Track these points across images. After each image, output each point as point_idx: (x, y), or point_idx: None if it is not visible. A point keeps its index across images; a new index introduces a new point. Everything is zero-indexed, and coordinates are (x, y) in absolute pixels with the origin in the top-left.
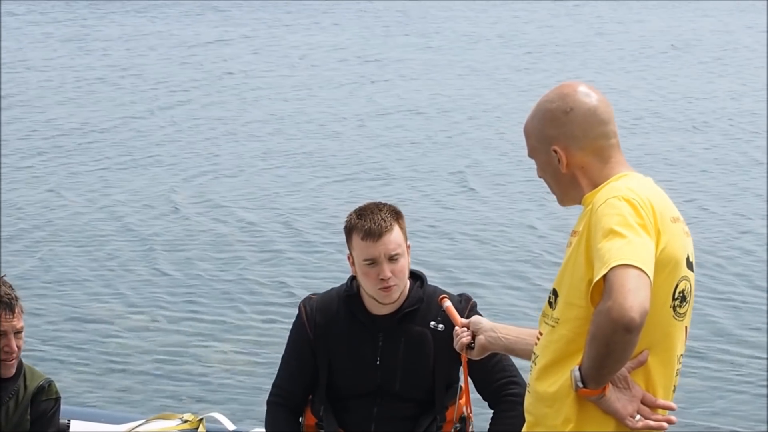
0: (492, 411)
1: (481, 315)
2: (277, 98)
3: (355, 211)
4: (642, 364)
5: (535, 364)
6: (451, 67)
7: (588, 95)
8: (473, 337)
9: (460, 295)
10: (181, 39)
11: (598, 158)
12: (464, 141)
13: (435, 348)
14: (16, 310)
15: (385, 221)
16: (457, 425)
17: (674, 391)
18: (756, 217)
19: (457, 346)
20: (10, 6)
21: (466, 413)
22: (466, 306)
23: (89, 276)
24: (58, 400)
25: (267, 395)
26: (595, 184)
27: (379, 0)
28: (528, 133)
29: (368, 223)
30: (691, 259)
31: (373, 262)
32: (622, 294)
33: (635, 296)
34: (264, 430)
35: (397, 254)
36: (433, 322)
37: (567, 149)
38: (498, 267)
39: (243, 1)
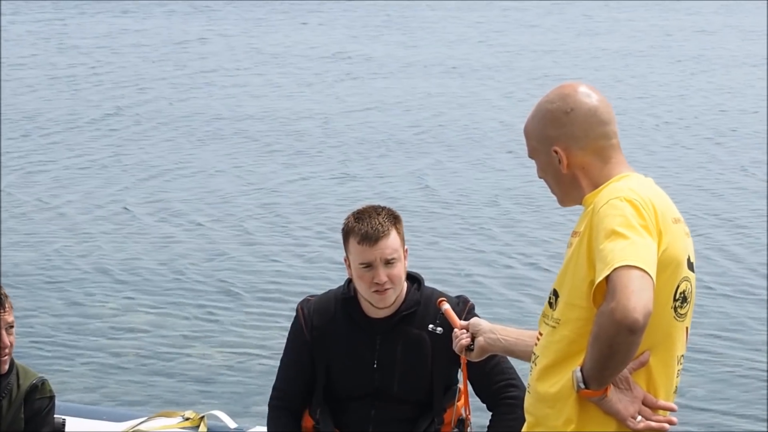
0: (490, 413)
1: (479, 317)
2: (258, 95)
3: (353, 213)
4: (643, 365)
5: (536, 365)
6: (443, 64)
7: (589, 95)
8: (472, 338)
9: (458, 297)
10: (157, 37)
11: (599, 158)
12: (457, 139)
13: (433, 350)
14: (6, 305)
15: (382, 225)
16: (456, 428)
17: (675, 392)
18: (757, 217)
19: (456, 348)
20: None
21: (464, 415)
22: (464, 308)
23: (88, 275)
24: (52, 398)
25: (268, 393)
26: (595, 185)
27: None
28: (528, 133)
29: (365, 227)
30: (692, 260)
31: (368, 266)
32: (626, 295)
33: (639, 297)
34: (265, 428)
35: (393, 259)
36: (431, 325)
37: (568, 150)
38: (495, 267)
39: (216, 1)
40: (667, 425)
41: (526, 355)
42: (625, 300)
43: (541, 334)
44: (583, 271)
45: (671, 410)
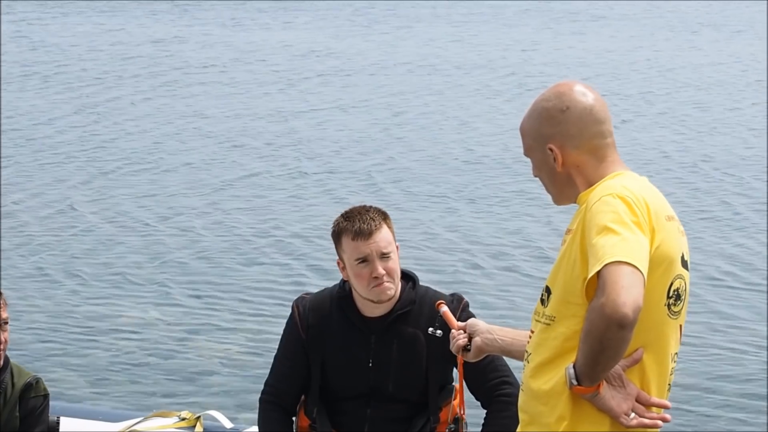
0: (485, 411)
1: (473, 315)
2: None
3: (342, 215)
4: (637, 362)
5: (528, 362)
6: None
7: (584, 94)
8: (469, 339)
9: (452, 295)
10: (129, 36)
11: (594, 157)
12: (448, 137)
13: (428, 349)
14: (1, 302)
15: (374, 220)
16: (452, 426)
17: (669, 389)
18: (756, 217)
19: (453, 348)
20: None
21: (459, 414)
22: (459, 305)
23: (83, 275)
24: (46, 397)
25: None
26: (590, 183)
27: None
28: (524, 131)
29: (357, 223)
30: (686, 258)
31: (364, 260)
32: (616, 290)
33: (628, 293)
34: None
35: (388, 252)
36: (431, 329)
37: (563, 148)
38: (493, 267)
39: (188, 1)
40: (660, 422)
41: (522, 356)
42: (615, 295)
43: (533, 331)
44: (578, 268)
45: (665, 407)
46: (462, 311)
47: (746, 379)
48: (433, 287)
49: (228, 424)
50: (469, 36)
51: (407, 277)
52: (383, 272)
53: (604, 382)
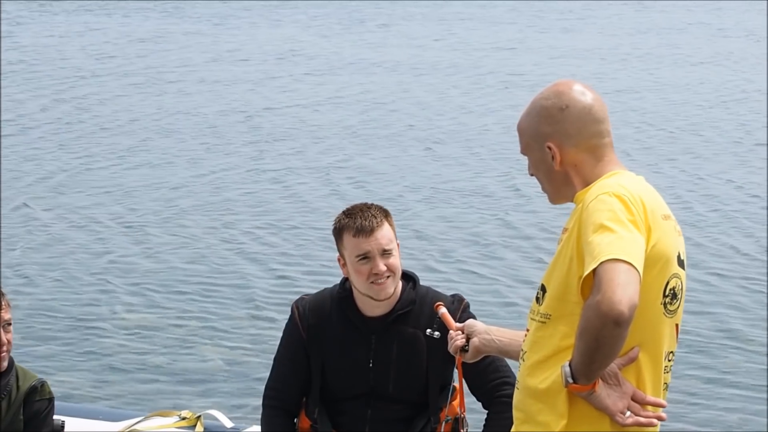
0: (485, 411)
1: (474, 315)
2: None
3: (343, 212)
4: (633, 360)
5: (524, 360)
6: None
7: (583, 93)
8: (467, 339)
9: (453, 296)
10: (105, 36)
11: (592, 156)
12: (444, 136)
13: (428, 349)
14: (3, 303)
15: (375, 217)
16: (449, 418)
17: (666, 389)
18: (756, 216)
19: (451, 349)
20: None
21: (460, 414)
22: (459, 306)
23: (86, 276)
24: (51, 400)
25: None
26: (587, 182)
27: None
28: (522, 130)
29: (359, 220)
30: (682, 257)
31: (365, 257)
32: (611, 288)
33: (624, 290)
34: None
35: (390, 249)
36: (429, 330)
37: (561, 147)
38: (491, 267)
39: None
40: (656, 421)
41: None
42: (611, 293)
43: (528, 330)
44: (573, 266)
45: (660, 406)
46: (462, 312)
47: (746, 379)
48: (433, 287)
49: (228, 424)
50: (456, 34)
51: (408, 277)
52: (384, 269)
53: (600, 380)
